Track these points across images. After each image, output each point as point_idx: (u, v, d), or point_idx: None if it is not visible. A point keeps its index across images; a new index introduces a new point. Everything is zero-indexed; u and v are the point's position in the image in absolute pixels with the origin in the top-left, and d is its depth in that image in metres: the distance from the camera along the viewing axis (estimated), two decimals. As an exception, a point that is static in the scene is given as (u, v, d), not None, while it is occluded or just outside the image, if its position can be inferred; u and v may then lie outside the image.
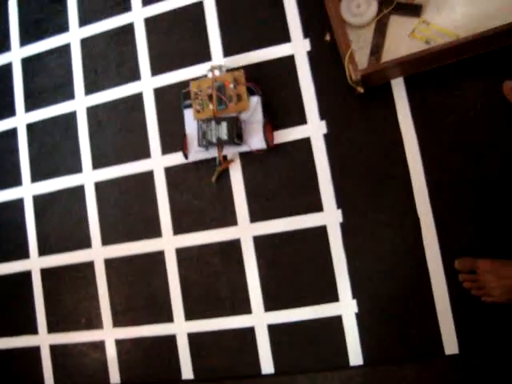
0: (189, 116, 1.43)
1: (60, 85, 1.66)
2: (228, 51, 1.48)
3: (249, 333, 1.40)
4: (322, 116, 1.38)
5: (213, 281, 1.43)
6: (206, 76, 1.44)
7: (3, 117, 1.74)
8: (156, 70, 1.55)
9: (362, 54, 1.33)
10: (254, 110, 1.37)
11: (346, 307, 1.32)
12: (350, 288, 1.32)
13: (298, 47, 1.42)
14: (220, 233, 1.43)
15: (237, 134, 1.34)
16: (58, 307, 1.60)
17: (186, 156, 1.42)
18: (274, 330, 1.39)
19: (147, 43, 1.57)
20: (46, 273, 1.62)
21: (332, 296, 1.34)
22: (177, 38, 1.54)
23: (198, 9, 1.53)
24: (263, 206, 1.40)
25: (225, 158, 1.44)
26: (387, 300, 1.30)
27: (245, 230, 1.41)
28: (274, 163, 1.40)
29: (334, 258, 1.33)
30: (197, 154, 1.42)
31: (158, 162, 1.51)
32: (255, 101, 1.38)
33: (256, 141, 1.37)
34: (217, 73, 1.40)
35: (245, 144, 1.38)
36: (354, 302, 1.31)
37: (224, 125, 1.35)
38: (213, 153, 1.41)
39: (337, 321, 1.34)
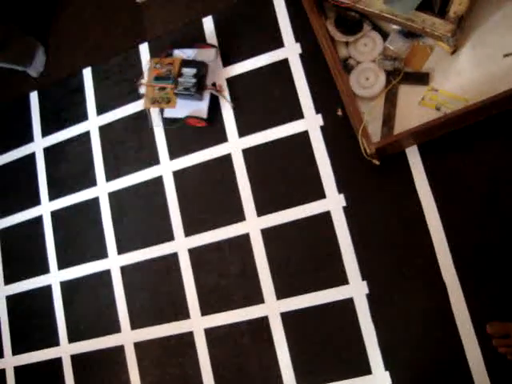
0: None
1: (82, 172, 1.75)
2: (242, 132, 1.56)
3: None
4: (340, 189, 1.43)
5: (243, 359, 1.45)
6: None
7: (29, 206, 1.82)
8: (175, 153, 1.63)
9: (374, 124, 1.39)
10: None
11: (379, 380, 1.34)
12: (382, 359, 1.33)
13: (311, 123, 1.49)
14: (247, 311, 1.46)
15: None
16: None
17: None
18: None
19: (164, 132, 1.65)
20: (76, 359, 1.65)
21: (364, 369, 1.35)
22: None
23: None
24: (288, 281, 1.44)
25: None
26: (421, 369, 1.31)
27: (272, 308, 1.44)
28: (296, 238, 1.45)
29: (363, 329, 1.36)
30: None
31: (181, 244, 1.57)
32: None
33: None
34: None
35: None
36: (387, 374, 1.32)
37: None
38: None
39: (372, 395, 1.32)
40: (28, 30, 1.87)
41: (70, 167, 1.76)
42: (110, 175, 1.70)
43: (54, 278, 1.73)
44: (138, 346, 1.57)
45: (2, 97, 1.98)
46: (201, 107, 1.58)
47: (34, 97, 1.89)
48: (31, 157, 1.85)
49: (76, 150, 1.78)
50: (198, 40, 1.66)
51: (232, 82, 1.61)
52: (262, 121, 1.53)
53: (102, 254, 1.65)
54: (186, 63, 1.55)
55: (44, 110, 1.87)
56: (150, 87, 1.60)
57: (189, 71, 1.53)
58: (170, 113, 1.62)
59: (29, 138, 1.87)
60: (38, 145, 1.84)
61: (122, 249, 1.63)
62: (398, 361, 1.33)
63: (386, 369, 1.33)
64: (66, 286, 1.71)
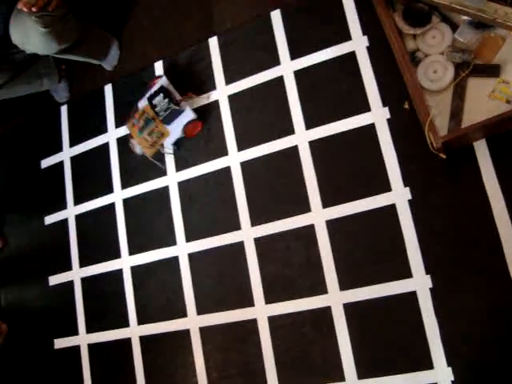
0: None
1: (152, 162, 1.83)
2: (309, 124, 1.59)
3: (344, 400, 1.44)
4: (406, 183, 1.45)
5: (305, 348, 1.50)
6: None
7: (103, 193, 1.94)
8: (242, 145, 1.69)
9: (441, 118, 1.40)
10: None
11: (441, 375, 1.35)
12: (444, 355, 1.34)
13: (377, 116, 1.51)
14: (311, 301, 1.51)
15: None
16: (156, 374, 1.73)
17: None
18: (368, 397, 1.41)
19: (232, 119, 1.72)
20: (144, 340, 1.75)
21: (426, 363, 1.37)
22: (259, 113, 1.67)
23: (279, 83, 1.66)
24: (352, 273, 1.47)
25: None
26: (484, 368, 1.31)
27: (335, 298, 1.48)
28: (361, 230, 1.49)
29: (426, 323, 1.37)
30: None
31: (247, 233, 1.63)
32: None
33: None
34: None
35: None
36: (450, 369, 1.33)
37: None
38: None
39: (433, 389, 1.33)
40: (104, 26, 1.97)
41: (141, 157, 1.84)
42: (180, 166, 1.77)
43: (125, 262, 1.84)
44: (203, 330, 1.65)
45: (80, 89, 2.10)
46: (187, 114, 1.73)
47: (108, 89, 2.00)
48: (105, 147, 1.96)
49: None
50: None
51: (298, 75, 1.65)
52: (328, 113, 1.56)
53: (171, 241, 1.74)
54: (151, 98, 1.77)
55: (117, 102, 1.98)
56: (142, 139, 1.80)
57: (157, 99, 1.76)
58: (170, 139, 1.78)
59: (103, 129, 1.98)
60: (112, 135, 1.95)
61: (189, 236, 1.71)
62: (461, 357, 1.34)
63: (449, 365, 1.34)
64: (136, 271, 1.82)
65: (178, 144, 1.80)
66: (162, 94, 1.74)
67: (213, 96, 1.76)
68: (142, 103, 1.80)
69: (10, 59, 1.83)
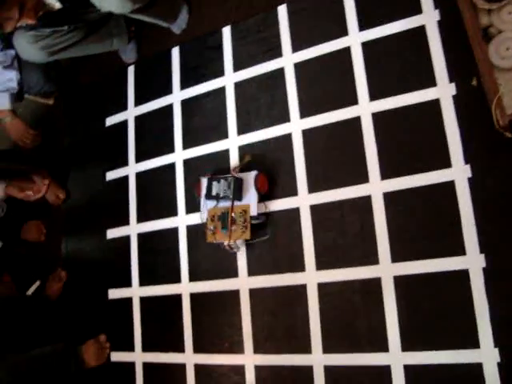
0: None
1: (215, 125, 1.90)
2: (374, 95, 1.62)
3: (385, 372, 1.49)
4: (467, 160, 1.45)
5: (352, 317, 1.55)
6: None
7: (164, 152, 2.01)
8: (304, 112, 1.73)
9: (510, 96, 1.39)
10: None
11: (487, 355, 1.36)
12: (492, 336, 1.36)
13: (443, 91, 1.52)
14: (361, 271, 1.55)
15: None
16: (204, 330, 1.82)
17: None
18: (410, 370, 1.46)
19: (296, 87, 1.76)
20: (194, 297, 1.84)
21: (472, 342, 1.38)
22: (324, 82, 1.70)
23: (345, 53, 1.68)
24: (404, 246, 1.50)
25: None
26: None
27: (386, 270, 1.51)
28: (417, 204, 1.51)
29: (476, 302, 1.39)
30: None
31: (304, 200, 1.70)
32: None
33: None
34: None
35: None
36: (496, 350, 1.35)
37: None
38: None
39: (477, 369, 1.37)
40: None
41: (204, 120, 1.92)
42: (242, 129, 1.83)
43: (181, 221, 1.91)
44: (253, 292, 1.71)
45: (147, 51, 2.18)
46: (250, 175, 1.73)
47: (175, 52, 2.07)
48: (169, 108, 2.04)
49: (211, 104, 1.93)
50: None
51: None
52: (393, 86, 1.57)
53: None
54: (208, 195, 1.77)
55: (184, 65, 2.05)
56: (233, 233, 1.72)
57: (214, 188, 1.76)
58: (254, 209, 1.71)
59: (168, 90, 2.05)
60: (176, 97, 2.02)
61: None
62: (509, 339, 1.34)
63: (496, 345, 1.35)
64: (192, 230, 1.90)
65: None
66: (214, 183, 1.73)
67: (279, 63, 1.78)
68: (204, 210, 1.78)
69: (85, 18, 1.92)
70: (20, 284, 2.32)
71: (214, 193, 1.72)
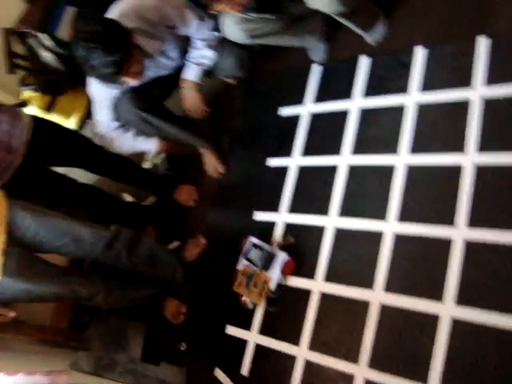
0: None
1: (387, 139, 1.96)
2: None
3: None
4: None
5: (482, 361, 1.53)
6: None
7: (329, 153, 2.13)
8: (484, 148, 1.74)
9: None
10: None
11: None
12: None
13: None
14: (507, 319, 1.52)
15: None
16: (325, 329, 1.89)
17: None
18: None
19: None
20: (324, 297, 1.92)
21: None
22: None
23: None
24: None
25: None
26: None
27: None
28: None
29: None
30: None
31: (459, 234, 1.71)
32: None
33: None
34: None
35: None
36: None
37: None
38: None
39: None
40: (376, 1, 2.11)
41: (377, 131, 1.99)
42: (414, 149, 1.89)
43: (331, 222, 2.02)
44: (384, 308, 1.76)
45: (337, 53, 2.29)
46: (281, 257, 2.05)
47: (364, 61, 2.15)
48: (345, 112, 2.13)
49: (388, 118, 1.99)
50: None
51: None
52: None
53: (380, 215, 1.88)
54: (247, 256, 2.17)
55: (369, 75, 2.12)
56: (251, 293, 2.11)
57: (253, 254, 2.15)
58: (273, 284, 2.04)
59: (348, 95, 2.14)
60: (355, 103, 2.11)
61: (403, 216, 1.83)
62: None
63: None
64: (339, 233, 1.98)
65: (280, 286, 2.04)
66: (255, 249, 2.09)
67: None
68: (241, 265, 2.14)
69: (289, 10, 2.07)
70: (161, 239, 2.53)
71: (250, 255, 2.12)
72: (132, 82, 2.13)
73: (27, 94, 3.35)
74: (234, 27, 2.05)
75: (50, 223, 2.00)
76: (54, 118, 3.20)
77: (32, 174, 2.27)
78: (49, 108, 3.40)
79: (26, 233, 1.96)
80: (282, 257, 2.02)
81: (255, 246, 2.11)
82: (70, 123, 3.32)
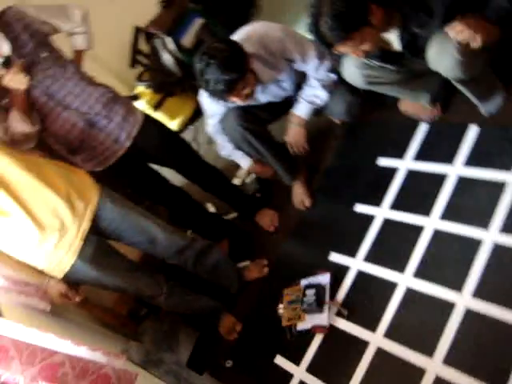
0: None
1: (479, 211, 1.95)
2: None
3: None
4: None
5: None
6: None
7: (416, 212, 2.14)
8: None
9: None
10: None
11: None
12: None
13: None
14: None
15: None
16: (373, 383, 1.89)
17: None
18: None
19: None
20: (380, 351, 1.93)
21: None
22: None
23: None
24: None
25: None
26: None
27: None
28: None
29: None
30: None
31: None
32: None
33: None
34: None
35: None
36: None
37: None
38: None
39: None
40: (496, 71, 2.09)
41: (471, 202, 1.99)
42: (506, 228, 1.86)
43: (404, 280, 2.02)
44: (438, 380, 1.74)
45: (449, 117, 2.30)
46: (322, 317, 2.11)
47: (473, 129, 2.16)
48: (442, 176, 2.15)
49: (484, 191, 1.99)
50: None
51: None
52: None
53: (455, 286, 1.86)
54: (308, 287, 2.20)
55: (475, 144, 2.13)
56: (288, 309, 2.25)
57: (310, 291, 2.17)
58: (301, 326, 2.17)
59: (449, 160, 2.16)
60: (455, 170, 2.12)
61: (480, 293, 1.80)
62: None
63: None
64: (409, 292, 1.98)
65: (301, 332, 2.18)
66: (315, 289, 2.16)
67: None
68: (304, 282, 2.27)
69: (410, 66, 2.11)
70: (232, 255, 2.61)
71: (307, 291, 2.22)
72: (239, 103, 2.24)
73: (140, 88, 3.56)
74: (354, 70, 2.12)
75: (132, 220, 2.14)
76: (159, 115, 3.37)
77: (129, 165, 2.39)
78: (156, 106, 3.59)
79: (109, 225, 2.09)
80: (322, 318, 2.12)
81: (319, 287, 2.19)
82: (173, 124, 3.49)
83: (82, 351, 1.57)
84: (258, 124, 2.44)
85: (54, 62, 2.18)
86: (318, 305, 2.13)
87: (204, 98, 2.36)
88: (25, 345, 1.52)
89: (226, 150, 2.57)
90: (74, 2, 2.28)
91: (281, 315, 2.27)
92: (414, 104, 2.29)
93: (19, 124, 2.01)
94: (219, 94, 2.12)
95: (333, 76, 2.28)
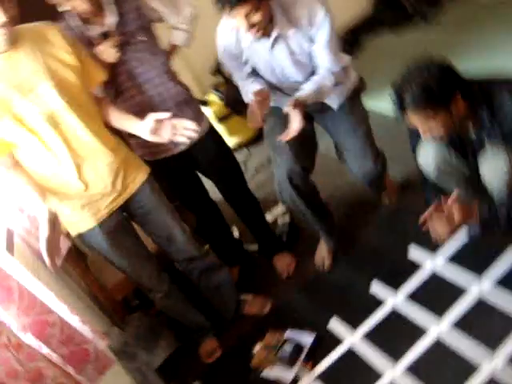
0: None
1: (492, 334, 1.92)
2: None
3: None
4: None
5: None
6: None
7: (428, 308, 2.15)
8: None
9: None
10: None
11: None
12: None
13: None
14: None
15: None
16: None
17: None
18: None
19: None
20: None
21: None
22: None
23: None
24: None
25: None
26: None
27: None
28: None
29: None
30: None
31: None
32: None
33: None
34: None
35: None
36: None
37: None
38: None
39: None
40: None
41: (486, 323, 1.98)
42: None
43: (393, 373, 2.01)
44: None
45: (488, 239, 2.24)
46: (287, 374, 2.15)
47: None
48: (464, 288, 2.15)
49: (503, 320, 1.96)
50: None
51: None
52: None
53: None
54: (289, 340, 2.23)
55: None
56: (261, 350, 2.29)
57: (288, 345, 2.20)
58: (267, 373, 2.22)
59: (478, 274, 2.17)
60: (479, 286, 2.12)
61: None
62: None
63: None
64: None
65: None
66: (294, 345, 2.21)
67: None
68: (288, 334, 2.32)
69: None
70: (239, 285, 2.65)
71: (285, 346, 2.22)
72: (248, 32, 2.07)
73: (212, 97, 3.65)
74: (431, 162, 2.08)
75: (160, 214, 2.21)
76: (220, 128, 3.44)
77: (177, 166, 2.46)
78: (221, 118, 3.66)
79: (139, 208, 2.14)
80: (287, 374, 2.17)
81: (296, 343, 2.20)
82: (230, 141, 3.55)
83: (74, 320, 1.60)
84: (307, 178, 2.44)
85: (147, 48, 2.22)
86: (291, 361, 2.15)
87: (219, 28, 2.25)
88: (27, 293, 1.56)
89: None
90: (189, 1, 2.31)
91: (254, 354, 2.29)
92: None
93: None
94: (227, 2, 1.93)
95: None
